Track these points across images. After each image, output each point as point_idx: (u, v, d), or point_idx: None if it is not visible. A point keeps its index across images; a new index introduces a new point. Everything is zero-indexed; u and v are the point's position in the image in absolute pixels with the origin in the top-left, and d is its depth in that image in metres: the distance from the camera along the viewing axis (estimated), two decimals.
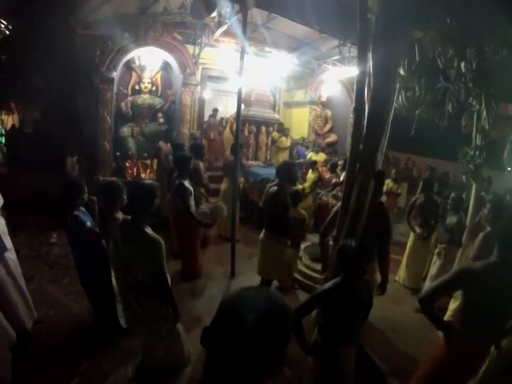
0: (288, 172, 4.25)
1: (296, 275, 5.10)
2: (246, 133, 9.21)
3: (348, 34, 6.57)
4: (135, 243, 2.63)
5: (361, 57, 3.12)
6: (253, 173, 7.89)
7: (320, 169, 8.40)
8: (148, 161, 9.05)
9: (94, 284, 3.50)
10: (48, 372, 3.07)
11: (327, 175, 8.12)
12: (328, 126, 12.36)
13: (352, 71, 8.33)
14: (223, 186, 6.83)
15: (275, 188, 4.15)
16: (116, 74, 8.33)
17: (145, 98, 9.14)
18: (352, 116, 3.28)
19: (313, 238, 6.00)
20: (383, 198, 4.81)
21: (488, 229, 3.79)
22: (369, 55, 3.08)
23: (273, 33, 8.56)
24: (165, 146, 7.09)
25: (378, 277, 3.64)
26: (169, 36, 8.58)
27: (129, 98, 9.01)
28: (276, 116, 10.24)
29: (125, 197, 3.37)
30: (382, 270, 3.58)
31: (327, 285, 2.45)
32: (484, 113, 3.90)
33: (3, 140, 11.19)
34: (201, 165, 5.95)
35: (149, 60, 9.02)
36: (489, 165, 4.38)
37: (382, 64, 3.03)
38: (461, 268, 2.41)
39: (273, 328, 0.98)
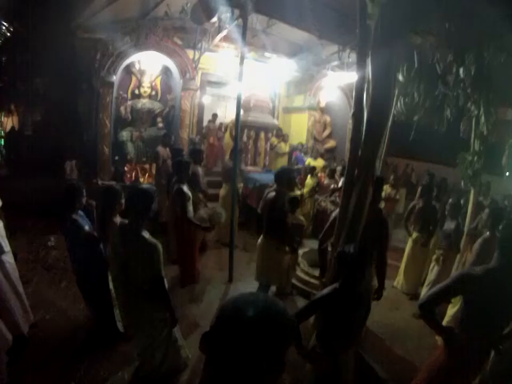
0: (286, 178, 4.25)
1: (294, 281, 5.09)
2: (245, 138, 9.21)
3: (347, 40, 6.57)
4: (133, 247, 2.64)
5: (361, 63, 3.13)
6: (251, 179, 7.88)
7: (318, 175, 8.40)
8: (147, 166, 9.06)
9: (92, 288, 3.48)
10: (45, 376, 3.05)
11: (326, 180, 8.12)
12: (327, 132, 12.36)
13: (351, 76, 8.35)
14: (222, 192, 6.83)
15: (273, 193, 4.16)
16: (115, 78, 8.36)
17: (144, 103, 9.16)
18: (351, 121, 3.29)
19: (311, 244, 5.99)
20: (382, 204, 4.82)
21: (487, 234, 3.79)
22: (369, 61, 3.09)
23: (272, 38, 8.60)
24: (164, 151, 7.09)
25: (375, 282, 3.63)
26: (169, 40, 8.62)
27: (129, 102, 9.03)
28: (275, 121, 10.26)
29: (123, 201, 3.37)
30: (379, 275, 3.59)
31: (326, 290, 2.44)
32: (483, 119, 3.91)
33: (2, 142, 11.20)
34: (200, 170, 5.95)
35: (148, 64, 9.06)
36: (488, 170, 4.38)
37: (381, 70, 3.04)
38: (461, 273, 2.41)
39: (273, 334, 0.97)
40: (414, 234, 5.39)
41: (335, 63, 9.14)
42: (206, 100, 11.09)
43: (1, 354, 2.79)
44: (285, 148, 10.66)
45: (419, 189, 7.10)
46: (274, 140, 10.34)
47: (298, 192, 7.21)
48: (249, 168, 8.95)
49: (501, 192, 7.37)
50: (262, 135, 9.62)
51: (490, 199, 6.33)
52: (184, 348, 3.17)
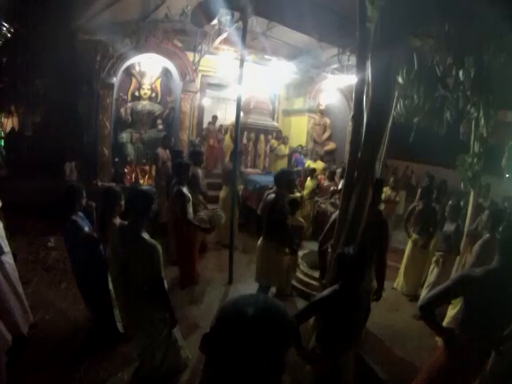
0: (286, 180, 4.26)
1: (294, 282, 5.09)
2: (245, 140, 9.22)
3: (347, 42, 6.59)
4: (133, 248, 2.64)
5: (360, 66, 3.14)
6: (251, 181, 7.89)
7: (318, 177, 8.41)
8: (147, 167, 9.06)
9: (92, 288, 3.48)
10: (44, 377, 3.04)
11: (326, 182, 8.13)
12: (326, 134, 12.38)
13: (351, 79, 8.37)
14: (222, 194, 6.84)
15: (273, 195, 4.16)
16: (115, 80, 8.38)
17: (144, 105, 9.18)
18: (350, 123, 3.29)
19: (311, 246, 5.99)
20: (381, 206, 4.82)
21: (487, 235, 3.80)
22: (368, 64, 3.10)
23: (272, 41, 8.62)
24: (164, 153, 7.09)
25: (374, 283, 3.64)
26: (169, 42, 8.64)
27: (129, 104, 9.05)
28: (275, 123, 10.27)
29: (122, 202, 3.37)
30: (379, 276, 3.60)
31: (326, 291, 2.45)
32: (482, 121, 3.93)
33: (2, 143, 11.21)
34: (200, 172, 5.96)
35: (149, 66, 9.08)
36: (487, 172, 4.39)
37: (380, 73, 3.05)
38: (462, 275, 2.41)
39: (273, 335, 0.98)
40: (414, 236, 5.39)
41: (335, 65, 9.18)
42: (206, 102, 11.11)
43: (1, 354, 2.78)
44: (284, 150, 10.67)
45: (419, 191, 7.09)
46: (274, 142, 10.36)
47: (298, 194, 7.23)
48: (249, 170, 8.95)
49: (500, 194, 7.38)
50: (262, 137, 9.62)
51: (490, 201, 6.34)
52: (184, 348, 3.17)
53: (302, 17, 5.95)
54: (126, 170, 8.76)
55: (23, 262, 4.93)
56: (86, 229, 3.33)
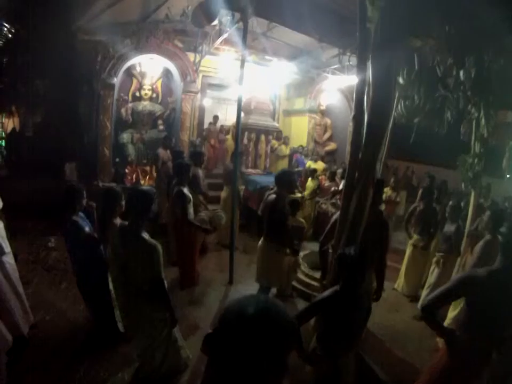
0: (286, 180, 4.26)
1: (295, 283, 5.08)
2: (246, 141, 9.23)
3: (348, 43, 6.60)
4: (133, 248, 2.65)
5: (361, 66, 3.14)
6: (252, 181, 7.89)
7: (319, 177, 8.41)
8: (147, 168, 9.07)
9: (92, 289, 3.47)
10: (44, 377, 3.04)
11: (327, 183, 8.13)
12: (327, 135, 12.40)
13: (351, 79, 8.38)
14: (223, 194, 6.84)
15: (273, 195, 4.16)
16: (116, 81, 8.39)
17: (145, 105, 9.19)
18: (351, 124, 3.29)
19: (312, 246, 5.99)
20: (382, 206, 4.82)
21: (488, 236, 3.79)
22: (369, 64, 3.10)
23: (273, 42, 8.63)
24: (164, 153, 7.10)
25: (374, 284, 3.64)
26: (170, 43, 8.65)
27: (130, 104, 9.06)
28: (275, 124, 10.28)
29: (123, 203, 3.37)
30: (378, 277, 3.60)
31: (326, 292, 2.44)
32: (483, 121, 3.92)
33: (3, 143, 11.22)
34: (200, 172, 5.96)
35: (149, 67, 9.09)
36: (488, 172, 4.39)
37: (381, 73, 3.04)
38: (464, 275, 2.41)
39: (275, 336, 0.98)
40: (415, 237, 5.39)
41: (335, 66, 9.19)
42: (207, 102, 11.13)
43: (1, 355, 2.78)
44: (285, 150, 10.67)
45: (420, 192, 7.09)
46: (274, 143, 10.36)
47: (299, 195, 7.23)
48: (250, 170, 8.95)
49: (501, 194, 7.38)
50: (263, 137, 9.63)
51: (491, 201, 6.34)
52: (184, 348, 3.17)
53: (302, 18, 5.96)
54: (126, 170, 8.78)
55: (23, 262, 4.94)
56: (87, 229, 3.33)
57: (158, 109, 9.40)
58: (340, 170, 8.38)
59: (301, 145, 11.13)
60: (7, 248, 3.31)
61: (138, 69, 8.99)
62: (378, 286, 3.59)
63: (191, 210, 4.76)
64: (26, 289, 3.93)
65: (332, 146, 12.30)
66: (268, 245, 4.21)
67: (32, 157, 8.15)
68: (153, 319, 2.80)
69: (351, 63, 7.61)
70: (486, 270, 2.26)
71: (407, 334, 4.29)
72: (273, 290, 4.68)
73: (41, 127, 8.90)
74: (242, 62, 5.26)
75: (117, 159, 8.74)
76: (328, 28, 6.29)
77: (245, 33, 5.32)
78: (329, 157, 11.41)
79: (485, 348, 2.26)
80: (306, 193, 7.76)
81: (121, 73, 8.56)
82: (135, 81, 9.13)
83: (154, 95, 9.39)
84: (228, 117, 12.03)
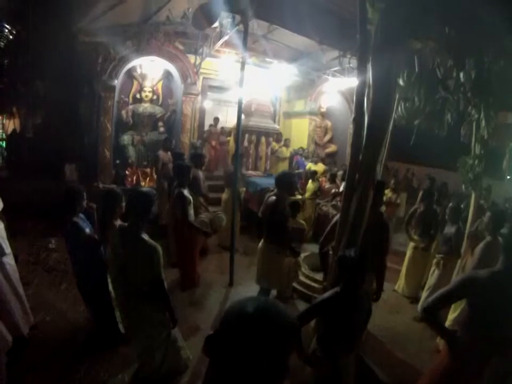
0: (287, 182, 4.27)
1: (295, 284, 5.08)
2: (246, 143, 9.25)
3: (348, 45, 6.62)
4: (133, 249, 2.65)
5: (361, 68, 3.14)
6: (252, 183, 7.90)
7: (320, 179, 8.42)
8: (148, 170, 9.07)
9: (92, 290, 3.48)
10: (44, 377, 3.04)
11: (327, 185, 8.14)
12: (328, 137, 12.40)
13: (352, 81, 8.40)
14: (224, 196, 6.85)
15: (274, 197, 4.17)
16: (117, 82, 8.41)
17: (146, 107, 9.20)
18: (352, 126, 3.30)
19: (312, 248, 5.99)
20: (382, 208, 4.82)
21: (489, 238, 3.78)
22: (369, 66, 3.10)
23: (273, 44, 8.63)
24: (165, 155, 7.10)
25: (374, 285, 3.65)
26: (170, 45, 8.68)
27: (130, 106, 9.07)
28: (276, 126, 10.30)
29: (123, 204, 3.38)
30: (378, 278, 3.61)
31: (327, 294, 2.44)
32: (483, 123, 3.92)
33: (4, 144, 11.24)
34: (201, 174, 5.96)
35: (150, 69, 9.11)
36: (488, 174, 4.39)
37: (381, 75, 3.05)
38: (465, 277, 2.40)
39: (277, 337, 0.98)
40: (415, 238, 5.38)
41: (336, 68, 9.21)
42: (207, 104, 11.15)
43: (1, 355, 2.78)
44: (286, 152, 10.68)
45: (420, 193, 7.11)
46: (275, 145, 10.37)
47: (299, 197, 7.23)
48: (250, 172, 8.96)
49: (501, 196, 7.38)
50: (263, 139, 9.65)
51: (491, 202, 6.34)
52: (184, 348, 3.17)
53: (303, 20, 5.98)
54: (127, 172, 8.78)
55: (24, 263, 4.93)
56: (87, 230, 3.33)
57: (158, 111, 9.41)
58: (340, 172, 8.38)
59: (301, 147, 11.13)
60: (7, 249, 3.31)
61: (139, 70, 9.00)
62: (378, 286, 3.60)
63: (191, 212, 4.76)
64: (26, 290, 3.93)
65: (332, 148, 12.31)
66: (268, 247, 4.21)
67: (32, 158, 8.15)
68: (153, 319, 2.80)
69: (351, 65, 7.62)
70: (487, 271, 2.26)
71: (408, 335, 4.28)
72: (274, 292, 4.68)
73: (42, 128, 8.91)
74: (243, 64, 5.27)
75: (117, 161, 8.76)
76: (328, 30, 6.31)
77: (245, 35, 5.33)
78: (330, 159, 11.39)
79: (486, 349, 2.25)
80: (306, 195, 7.79)
81: (122, 75, 8.57)
82: (135, 83, 9.14)
83: (154, 97, 9.41)
84: (228, 119, 12.05)
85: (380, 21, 3.09)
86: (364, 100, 3.14)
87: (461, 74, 3.60)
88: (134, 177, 8.83)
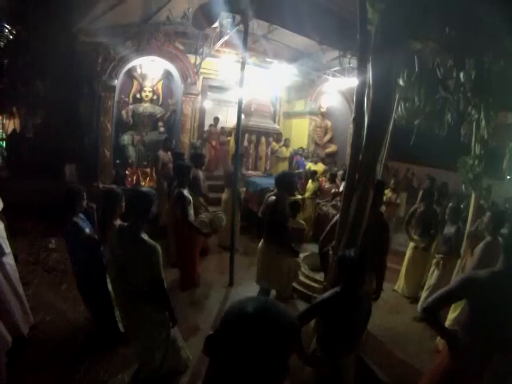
0: (287, 182, 4.27)
1: (295, 284, 5.08)
2: (246, 143, 9.25)
3: (348, 45, 6.60)
4: (133, 249, 2.65)
5: (361, 68, 3.14)
6: (252, 183, 7.90)
7: (320, 179, 8.43)
8: (148, 170, 9.07)
9: (92, 290, 3.48)
10: (44, 377, 3.04)
11: (327, 185, 8.14)
12: (328, 137, 12.40)
13: (352, 82, 8.40)
14: (224, 196, 6.85)
15: (274, 197, 4.17)
16: (117, 82, 8.41)
17: (146, 107, 9.20)
18: (352, 126, 3.30)
19: (312, 248, 5.99)
20: (382, 208, 4.82)
21: (488, 238, 3.78)
22: (369, 66, 3.10)
23: (273, 44, 8.62)
24: (165, 155, 7.10)
25: (374, 285, 3.65)
26: (171, 45, 8.67)
27: (130, 106, 9.07)
28: (276, 126, 10.31)
29: (123, 204, 3.38)
30: (378, 278, 3.61)
31: (327, 294, 2.44)
32: (483, 123, 3.92)
33: (4, 144, 11.23)
34: (201, 174, 5.96)
35: (150, 69, 9.11)
36: (488, 174, 4.38)
37: (381, 75, 3.05)
38: (465, 277, 2.40)
39: (277, 337, 0.98)
40: (415, 238, 5.38)
41: (336, 68, 9.21)
42: (207, 104, 11.15)
43: (1, 355, 2.78)
44: (286, 152, 10.68)
45: (420, 193, 7.11)
46: (275, 145, 10.38)
47: (299, 197, 7.23)
48: (250, 172, 8.96)
49: (501, 196, 7.38)
50: (263, 139, 9.65)
51: (491, 202, 6.34)
52: (184, 349, 3.17)
53: (303, 20, 5.97)
54: (127, 172, 8.78)
55: (23, 263, 4.93)
56: (87, 230, 3.33)
57: (158, 111, 9.41)
58: (340, 172, 8.39)
59: (301, 147, 11.14)
60: (7, 249, 3.31)
61: (139, 71, 9.00)
62: (378, 286, 3.61)
63: (191, 212, 4.76)
64: (26, 290, 3.94)
65: (332, 148, 12.31)
66: (268, 247, 4.21)
67: (32, 158, 8.16)
68: (153, 319, 2.80)
69: (351, 65, 7.61)
70: (487, 271, 2.26)
71: (408, 335, 4.28)
72: (273, 292, 4.68)
73: (42, 128, 8.92)
74: (243, 64, 5.27)
75: (118, 161, 8.76)
76: (328, 30, 6.30)
77: (245, 35, 5.33)
78: (330, 159, 11.40)
79: (486, 349, 2.25)
80: (306, 195, 7.79)
81: (122, 75, 8.57)
82: (135, 83, 9.14)
83: (155, 97, 9.41)
84: (228, 119, 12.05)
85: (380, 21, 3.09)
86: (364, 100, 3.14)
87: (461, 74, 3.60)
88: (134, 177, 8.83)
